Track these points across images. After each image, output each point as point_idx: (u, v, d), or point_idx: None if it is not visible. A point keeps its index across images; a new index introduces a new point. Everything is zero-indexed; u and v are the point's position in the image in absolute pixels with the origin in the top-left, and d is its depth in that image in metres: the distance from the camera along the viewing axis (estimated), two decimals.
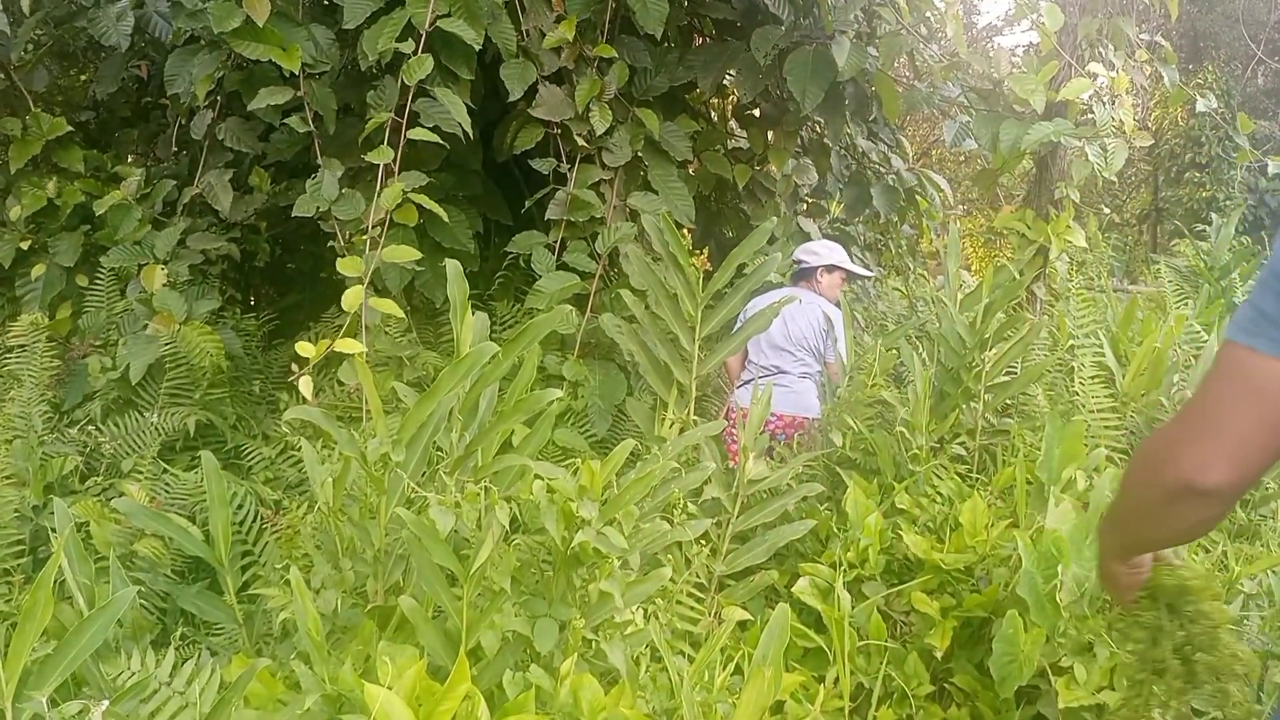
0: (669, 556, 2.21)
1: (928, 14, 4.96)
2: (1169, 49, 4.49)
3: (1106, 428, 3.28)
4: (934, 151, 15.11)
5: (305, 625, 1.67)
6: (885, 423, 3.24)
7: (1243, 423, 0.92)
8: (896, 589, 2.54)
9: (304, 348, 2.95)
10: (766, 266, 2.94)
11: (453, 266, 2.09)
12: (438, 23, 3.39)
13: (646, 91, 4.34)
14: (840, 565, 2.51)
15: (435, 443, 2.14)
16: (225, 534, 2.23)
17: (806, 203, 5.40)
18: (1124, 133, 3.45)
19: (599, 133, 3.87)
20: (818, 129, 5.18)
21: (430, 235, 3.94)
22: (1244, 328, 0.93)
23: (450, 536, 1.82)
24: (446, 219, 3.61)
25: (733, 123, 5.61)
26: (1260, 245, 6.63)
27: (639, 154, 4.15)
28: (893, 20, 4.25)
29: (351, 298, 2.99)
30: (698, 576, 2.38)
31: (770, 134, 4.98)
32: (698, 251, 5.81)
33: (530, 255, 3.93)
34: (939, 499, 2.81)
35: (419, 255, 3.29)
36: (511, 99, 3.81)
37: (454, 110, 3.35)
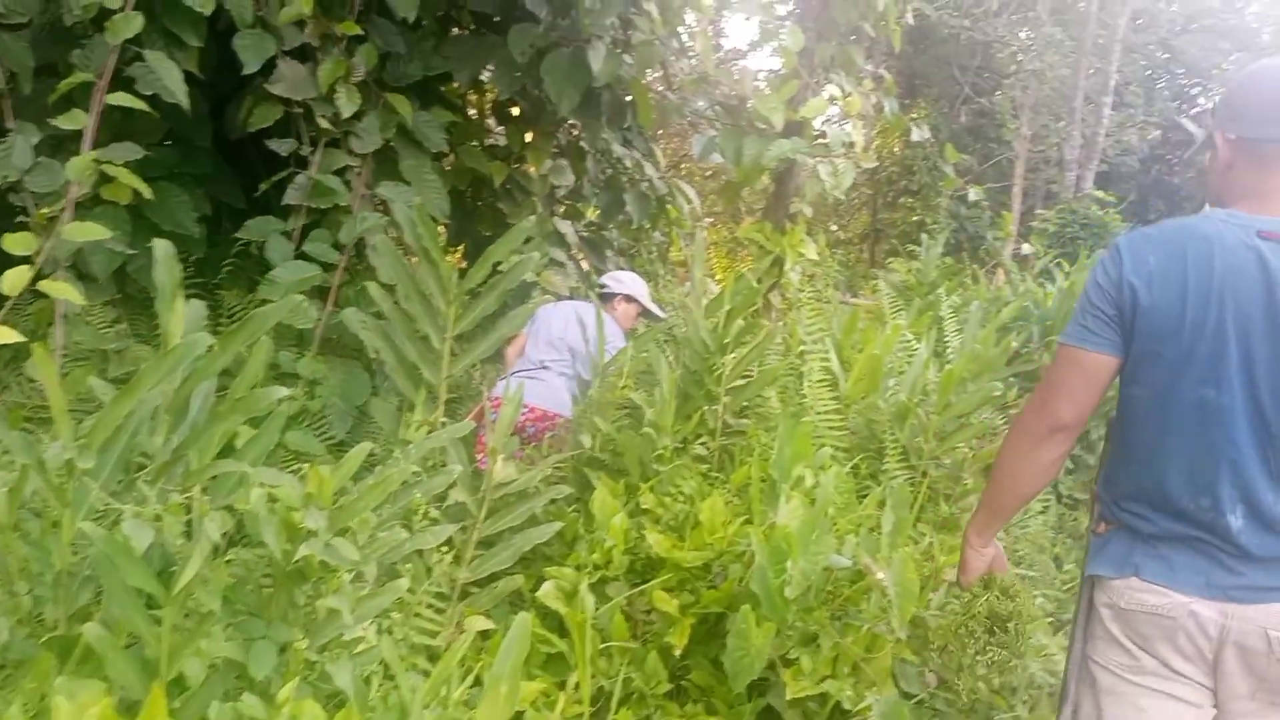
0: (408, 566, 2.10)
1: (680, 29, 5.14)
2: (890, 81, 4.94)
3: (831, 428, 3.52)
4: (683, 164, 15.79)
5: None
6: (634, 424, 3.29)
7: (1077, 386, 1.61)
8: (639, 588, 2.57)
9: None
10: (523, 266, 2.88)
11: (161, 247, 1.86)
12: None
13: (399, 78, 4.15)
14: (586, 567, 2.51)
15: (138, 447, 1.89)
16: None
17: (563, 205, 5.42)
18: (854, 154, 3.74)
19: (345, 116, 3.65)
20: (575, 132, 5.21)
21: (147, 216, 3.54)
22: (1071, 335, 1.61)
23: (152, 553, 1.61)
24: (154, 197, 3.23)
25: (491, 120, 5.53)
26: (960, 264, 7.45)
27: (390, 142, 3.96)
28: (647, 30, 4.35)
29: (13, 279, 2.54)
30: (439, 586, 2.27)
31: (528, 133, 4.95)
32: (453, 249, 5.69)
33: (265, 243, 3.63)
34: (681, 498, 2.88)
35: (107, 234, 2.83)
36: (246, 73, 3.49)
37: (168, 78, 3.02)
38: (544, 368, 3.58)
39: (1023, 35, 17.35)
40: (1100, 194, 13.92)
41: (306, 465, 1.66)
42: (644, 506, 2.83)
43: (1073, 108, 14.41)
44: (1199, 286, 1.48)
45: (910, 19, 4.42)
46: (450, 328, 2.78)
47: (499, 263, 2.82)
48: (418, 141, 4.02)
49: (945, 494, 3.44)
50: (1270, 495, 1.50)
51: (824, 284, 7.55)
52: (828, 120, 3.88)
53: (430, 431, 2.58)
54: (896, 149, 18.00)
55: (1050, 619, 3.10)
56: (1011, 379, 4.20)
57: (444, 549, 2.15)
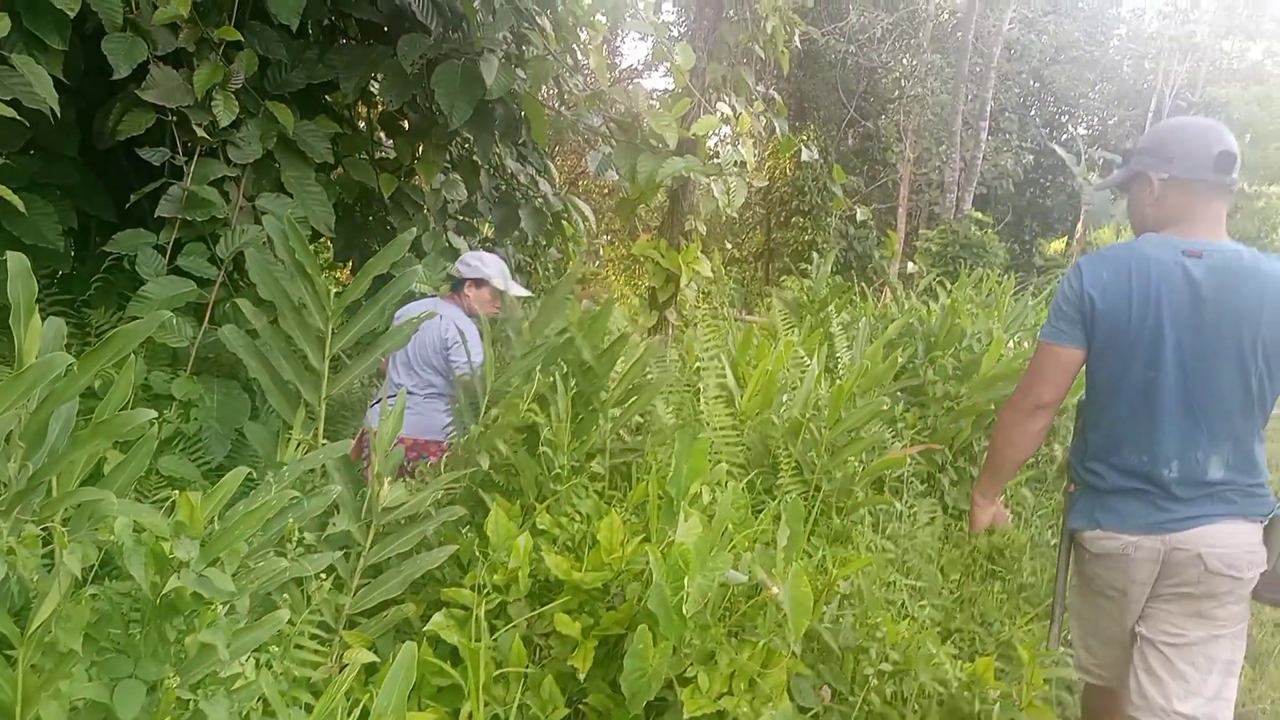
0: (285, 597, 1.99)
1: (574, 45, 5.14)
2: (781, 103, 5.04)
3: (728, 444, 3.54)
4: (581, 181, 15.80)
5: None
6: (530, 443, 3.23)
7: (1052, 373, 2.13)
8: (538, 611, 2.52)
9: None
10: (404, 279, 2.77)
11: (15, 260, 1.72)
12: None
13: (281, 86, 4.00)
14: (484, 589, 2.44)
15: None
16: None
17: (456, 219, 5.33)
18: (745, 173, 3.80)
19: (223, 124, 3.49)
20: (467, 146, 5.13)
21: (6, 229, 3.31)
22: (1048, 334, 2.13)
23: (4, 589, 1.48)
24: (23, 208, 3.03)
25: (381, 133, 5.39)
26: (849, 283, 7.65)
27: (272, 152, 3.81)
28: (541, 46, 4.32)
29: None
30: (321, 616, 2.17)
31: (419, 146, 4.85)
32: (341, 264, 5.51)
33: (135, 257, 3.43)
34: (578, 517, 2.84)
35: None
36: (116, 77, 3.30)
37: (36, 82, 2.83)
38: (409, 394, 3.45)
39: (905, 61, 18.08)
40: (979, 215, 14.58)
41: (167, 495, 1.56)
42: (540, 527, 2.77)
43: (952, 132, 15.07)
44: (1140, 294, 2.01)
45: (798, 43, 4.52)
46: (329, 345, 2.67)
47: (380, 275, 2.71)
48: (301, 152, 3.87)
49: (838, 507, 3.49)
50: (1194, 451, 2.03)
51: (720, 301, 7.64)
52: (721, 140, 3.91)
53: (308, 452, 2.47)
54: (789, 169, 18.48)
55: (938, 628, 3.18)
56: (899, 394, 4.33)
57: (323, 577, 2.04)
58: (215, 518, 1.79)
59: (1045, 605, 3.46)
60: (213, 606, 1.58)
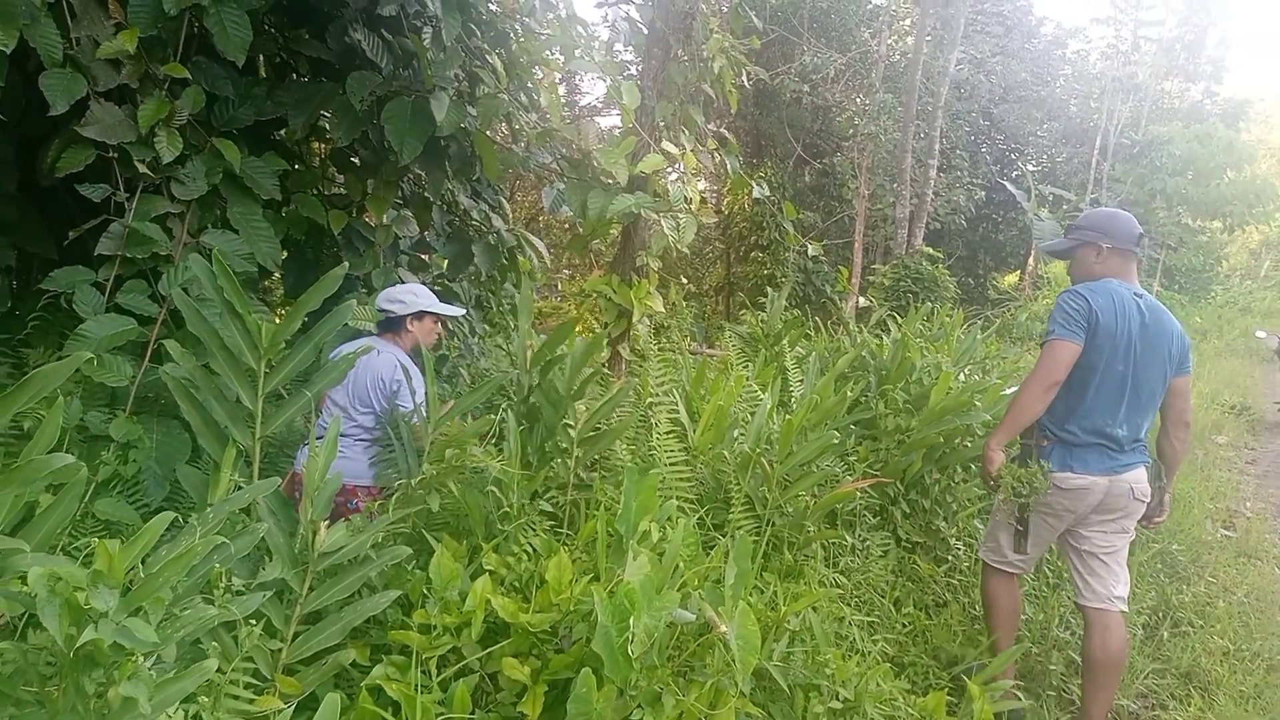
0: (214, 645, 1.93)
1: (529, 83, 5.16)
2: (733, 140, 5.10)
3: (680, 479, 3.52)
4: (541, 217, 15.82)
5: None
6: (479, 480, 3.19)
7: (1066, 360, 3.06)
8: (485, 652, 2.46)
9: None
10: (337, 314, 2.72)
11: None
12: None
13: (229, 122, 3.96)
14: (434, 631, 2.39)
15: None
16: None
17: (408, 255, 5.29)
18: (692, 210, 3.82)
19: (166, 160, 3.44)
20: (419, 182, 5.12)
21: None
22: (1064, 334, 3.06)
23: None
24: None
25: (334, 169, 5.36)
26: (804, 319, 7.71)
27: (218, 188, 3.76)
28: (492, 84, 4.33)
29: None
30: (253, 664, 2.10)
31: (370, 182, 4.82)
32: (291, 300, 5.43)
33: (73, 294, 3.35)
34: (526, 556, 2.80)
35: None
36: (53, 114, 3.25)
37: None
38: (340, 436, 3.36)
39: (859, 100, 18.44)
40: (930, 250, 14.82)
41: (89, 539, 1.50)
42: (487, 567, 2.72)
43: (902, 169, 15.36)
44: (1121, 315, 3.08)
45: (746, 82, 4.58)
46: (261, 384, 2.61)
47: (313, 313, 2.66)
48: (248, 189, 3.83)
49: (790, 542, 3.48)
50: (1137, 425, 3.16)
51: (678, 335, 7.64)
52: (678, 176, 3.94)
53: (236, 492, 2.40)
54: (746, 205, 18.67)
55: (890, 662, 3.17)
56: (852, 427, 4.35)
57: (252, 622, 1.98)
58: (140, 564, 1.73)
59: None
60: (133, 658, 1.53)
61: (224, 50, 3.56)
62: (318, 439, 3.24)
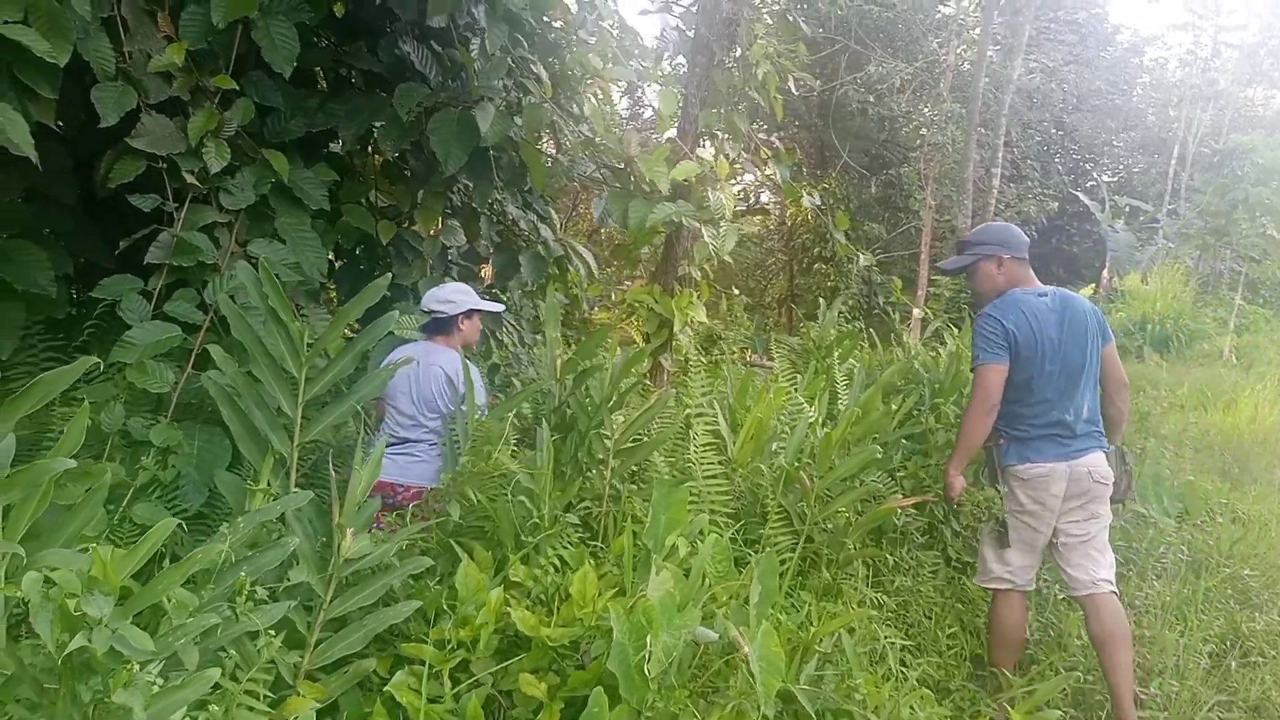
0: (233, 653, 1.92)
1: (579, 92, 5.16)
2: (783, 149, 5.01)
3: (718, 493, 3.44)
4: (603, 230, 15.86)
5: None
6: (513, 490, 3.15)
7: (997, 382, 3.24)
8: (502, 665, 2.42)
9: None
10: (380, 324, 2.73)
11: None
12: (1, 29, 2.88)
13: (280, 134, 4.04)
14: (450, 644, 2.36)
15: None
16: None
17: (456, 265, 5.32)
18: (728, 219, 3.74)
19: (213, 171, 3.51)
20: (468, 192, 5.14)
21: None
22: (988, 358, 3.26)
23: None
24: (6, 254, 3.04)
25: (385, 180, 5.42)
26: (862, 331, 7.54)
27: (267, 198, 3.82)
28: (538, 94, 4.33)
29: None
30: (271, 673, 2.09)
31: (419, 193, 4.86)
32: None
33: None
34: (554, 569, 2.75)
35: None
36: (104, 125, 3.34)
37: (13, 130, 2.85)
38: (406, 443, 3.43)
39: (926, 110, 18.09)
40: None
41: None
42: (514, 579, 2.68)
43: (963, 178, 14.99)
44: (1035, 324, 3.26)
45: (794, 88, 4.49)
46: (302, 391, 2.62)
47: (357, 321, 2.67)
48: (297, 199, 3.89)
49: (829, 559, 3.37)
50: (1082, 406, 3.27)
51: (731, 346, 7.54)
52: (710, 181, 3.86)
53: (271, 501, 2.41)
54: (810, 217, 18.43)
55: (930, 686, 3.04)
56: (903, 441, 4.21)
57: (271, 632, 1.97)
58: (152, 570, 1.73)
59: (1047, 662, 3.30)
60: (128, 666, 1.52)
61: (272, 62, 3.63)
62: (393, 447, 3.29)
